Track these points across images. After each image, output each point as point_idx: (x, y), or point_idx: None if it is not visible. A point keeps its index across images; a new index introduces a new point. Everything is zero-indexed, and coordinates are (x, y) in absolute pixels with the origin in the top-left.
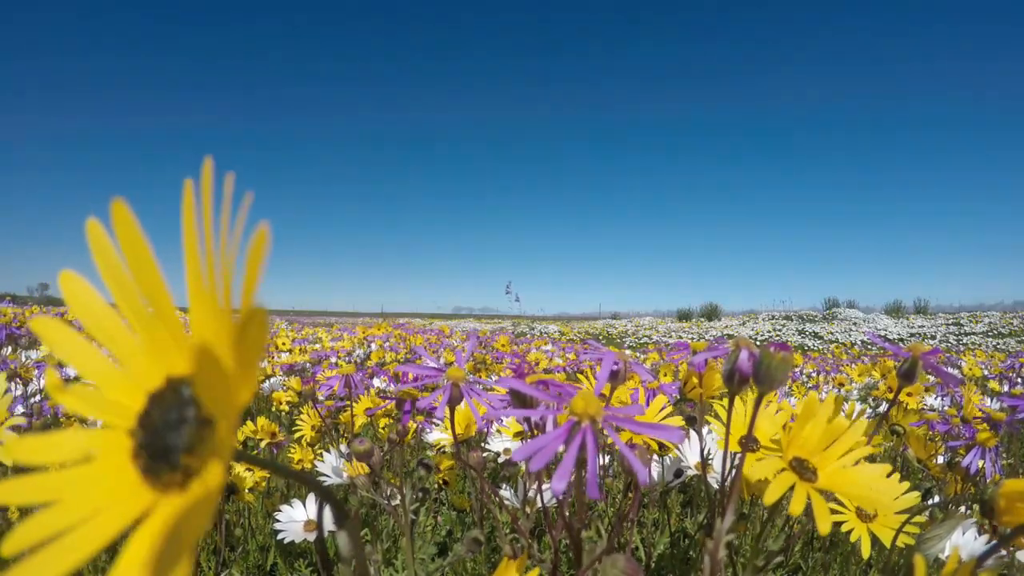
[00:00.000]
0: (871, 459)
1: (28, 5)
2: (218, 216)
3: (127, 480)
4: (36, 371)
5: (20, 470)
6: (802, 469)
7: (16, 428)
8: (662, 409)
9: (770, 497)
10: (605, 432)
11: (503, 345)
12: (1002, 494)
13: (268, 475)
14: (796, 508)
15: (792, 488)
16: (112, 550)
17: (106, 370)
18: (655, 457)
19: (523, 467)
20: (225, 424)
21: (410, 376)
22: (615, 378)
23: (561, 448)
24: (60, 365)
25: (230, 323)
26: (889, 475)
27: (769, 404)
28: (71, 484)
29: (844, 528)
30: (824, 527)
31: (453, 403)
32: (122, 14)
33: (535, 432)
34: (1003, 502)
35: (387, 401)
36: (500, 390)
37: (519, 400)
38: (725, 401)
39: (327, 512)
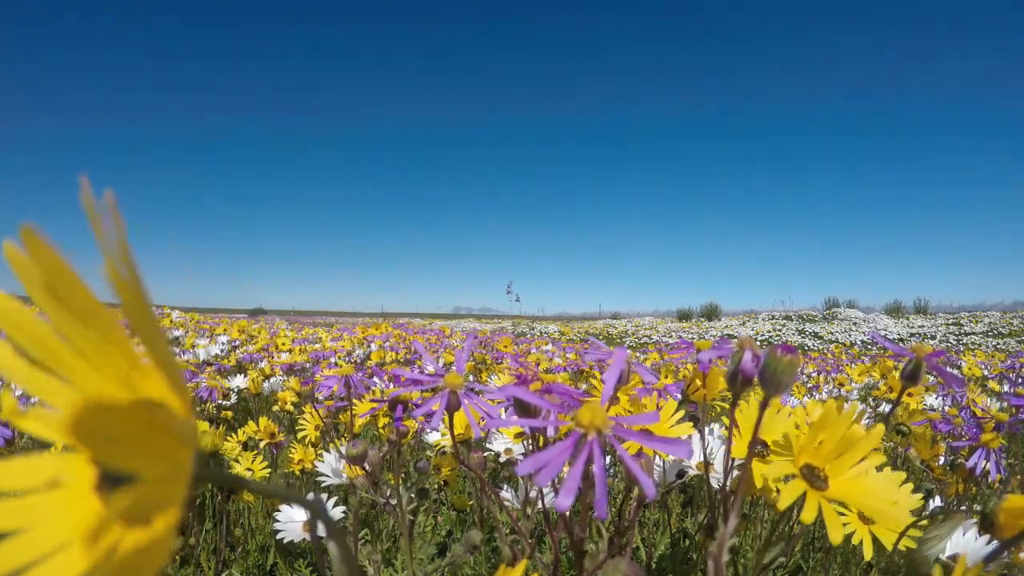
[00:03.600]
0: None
1: (32, 6)
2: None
3: (94, 509)
4: None
5: None
6: (813, 477)
7: None
8: (673, 414)
9: (782, 505)
10: (611, 444)
11: (505, 346)
12: (1003, 508)
13: (268, 475)
14: (808, 517)
15: (804, 496)
16: None
17: (62, 392)
18: (657, 457)
19: None
20: (153, 483)
21: (403, 379)
22: (619, 380)
23: (568, 461)
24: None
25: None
26: (902, 484)
27: (779, 410)
28: (39, 512)
29: (847, 530)
30: (836, 538)
31: (451, 410)
32: (121, 15)
33: (537, 436)
34: (1003, 517)
35: (381, 404)
36: (499, 399)
37: (522, 409)
38: (730, 401)
39: (323, 517)
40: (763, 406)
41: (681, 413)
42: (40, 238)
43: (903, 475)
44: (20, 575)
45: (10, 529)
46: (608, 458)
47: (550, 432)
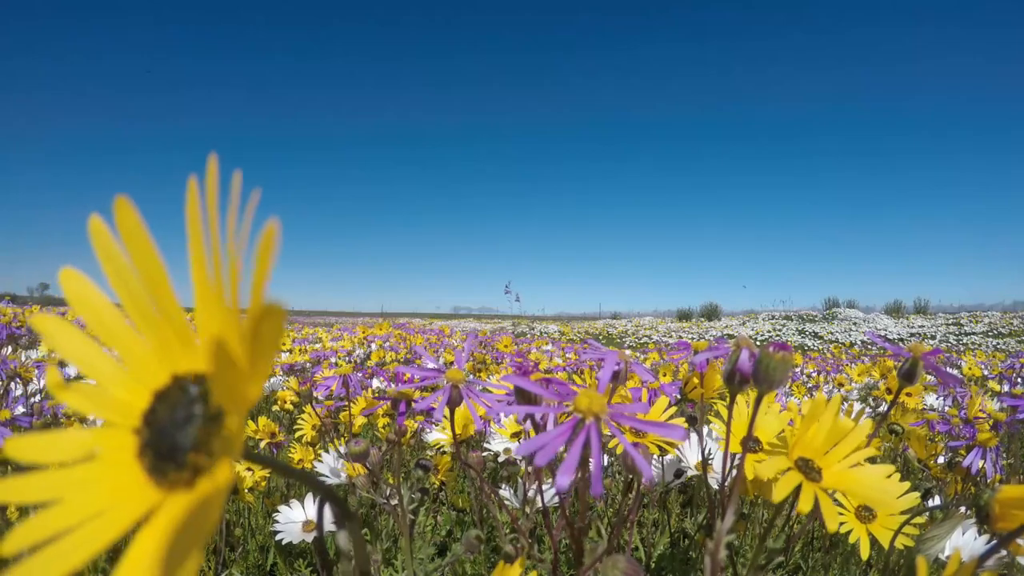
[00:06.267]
0: (871, 460)
1: (32, 6)
2: (224, 214)
3: (131, 479)
4: (36, 371)
5: (20, 469)
6: (807, 469)
7: (15, 426)
8: (665, 409)
9: (778, 495)
10: (608, 431)
11: (506, 346)
12: (997, 500)
13: (268, 475)
14: (804, 507)
15: (799, 488)
16: (115, 551)
17: (109, 368)
18: (654, 457)
19: (523, 467)
20: (235, 419)
21: (406, 377)
22: (616, 378)
23: (564, 446)
24: (61, 364)
25: (237, 321)
26: (890, 476)
27: (771, 405)
28: (73, 483)
29: (844, 529)
30: (832, 525)
31: (453, 404)
32: (123, 15)
33: (537, 430)
34: (998, 508)
35: (383, 402)
36: (498, 391)
37: (523, 397)
38: (727, 400)
39: (327, 511)
40: (757, 403)
41: (674, 409)
42: (130, 207)
43: (892, 467)
44: (56, 541)
45: (46, 500)
46: (607, 457)
47: (550, 424)
